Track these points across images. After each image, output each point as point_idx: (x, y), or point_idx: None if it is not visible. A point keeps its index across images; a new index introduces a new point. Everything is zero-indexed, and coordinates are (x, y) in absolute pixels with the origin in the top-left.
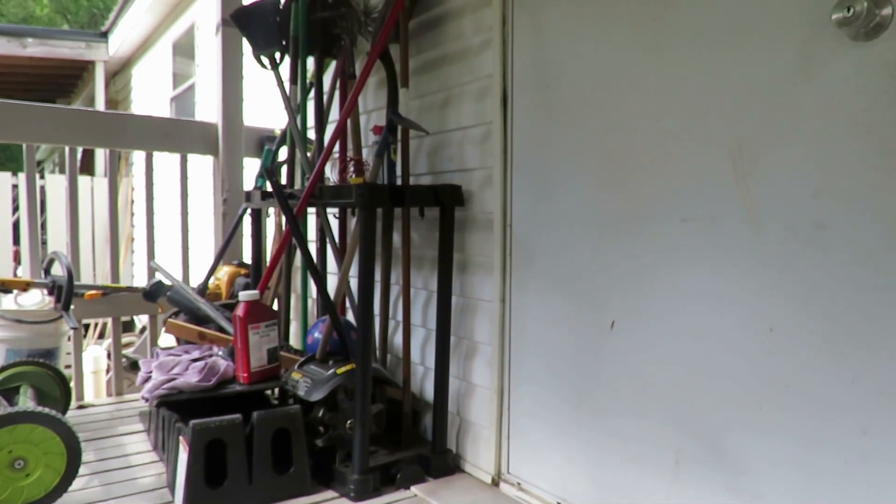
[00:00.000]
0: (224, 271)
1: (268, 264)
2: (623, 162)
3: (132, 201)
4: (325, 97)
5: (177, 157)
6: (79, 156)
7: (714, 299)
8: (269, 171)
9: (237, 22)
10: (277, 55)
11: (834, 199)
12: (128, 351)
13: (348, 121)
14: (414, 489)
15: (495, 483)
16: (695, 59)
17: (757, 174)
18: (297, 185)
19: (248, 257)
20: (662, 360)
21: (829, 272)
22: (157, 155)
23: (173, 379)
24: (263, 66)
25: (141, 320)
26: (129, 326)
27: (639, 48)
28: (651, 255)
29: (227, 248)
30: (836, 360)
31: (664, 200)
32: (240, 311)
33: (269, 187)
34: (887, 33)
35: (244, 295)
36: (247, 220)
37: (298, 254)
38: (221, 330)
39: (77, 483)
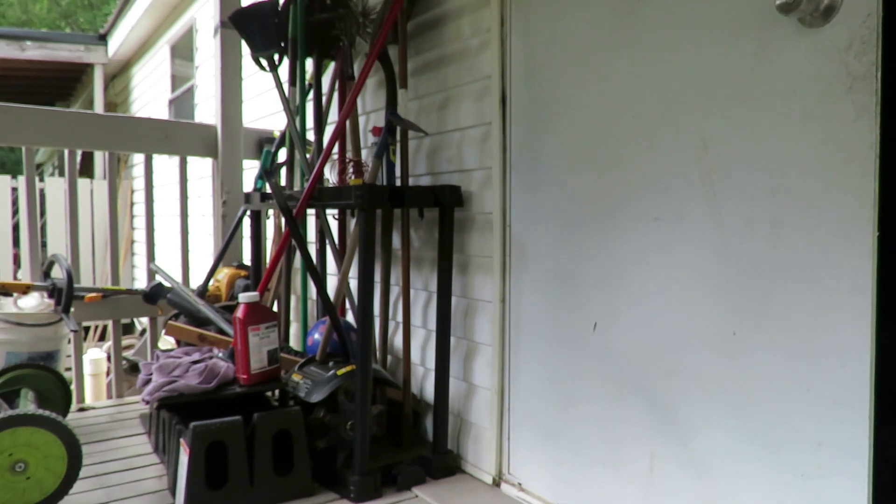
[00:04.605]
0: (224, 273)
1: (267, 266)
2: (602, 160)
3: (132, 203)
4: (324, 98)
5: (176, 159)
6: (78, 158)
7: (684, 301)
8: (269, 172)
9: (236, 24)
10: (276, 57)
11: (790, 195)
12: (128, 353)
13: (347, 122)
14: (415, 490)
15: (496, 484)
16: (664, 51)
17: (720, 170)
18: (297, 187)
19: (247, 259)
20: (637, 362)
21: (786, 273)
22: (156, 157)
23: (174, 381)
24: (262, 67)
25: (141, 322)
26: (129, 329)
27: (615, 43)
28: (627, 255)
29: (226, 250)
30: (792, 366)
31: (639, 199)
32: (240, 312)
33: (268, 189)
34: (838, 17)
35: (244, 297)
36: (246, 222)
37: (298, 255)
38: (221, 332)
39: (78, 486)
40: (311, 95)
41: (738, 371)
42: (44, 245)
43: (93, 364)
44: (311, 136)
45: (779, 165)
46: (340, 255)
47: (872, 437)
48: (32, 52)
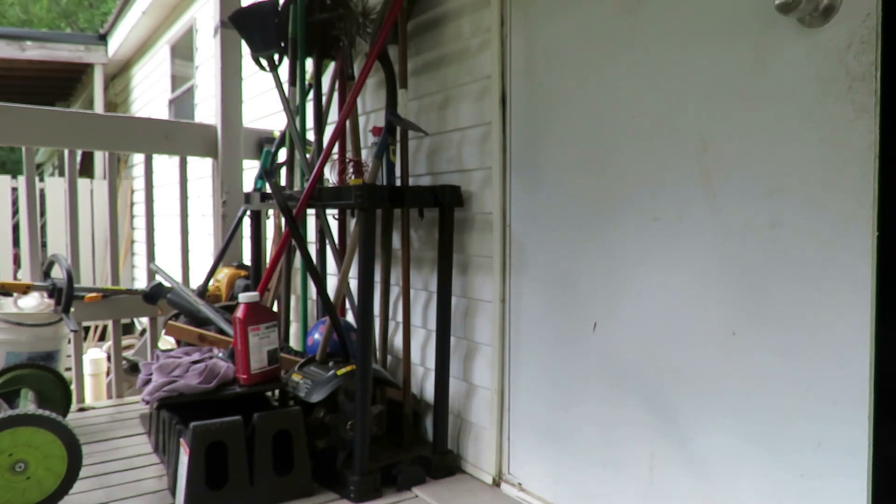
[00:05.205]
0: (224, 273)
1: (267, 266)
2: (602, 160)
3: (132, 203)
4: (324, 98)
5: (176, 159)
6: (78, 158)
7: (684, 301)
8: (269, 172)
9: (236, 24)
10: (276, 57)
11: (789, 196)
12: (128, 353)
13: (347, 122)
14: (415, 490)
15: (496, 483)
16: (663, 51)
17: (720, 170)
18: (297, 187)
19: (247, 259)
20: (637, 362)
21: (785, 273)
22: (156, 157)
23: (174, 381)
24: (262, 67)
25: (141, 322)
26: (129, 329)
27: (615, 43)
28: (627, 255)
29: (226, 250)
30: (792, 367)
31: (639, 199)
32: (240, 312)
33: (268, 189)
34: (838, 17)
35: (244, 297)
36: (246, 222)
37: (298, 255)
38: (221, 332)
39: (78, 486)
40: (311, 95)
41: (738, 371)
42: (44, 245)
43: (93, 364)
44: (311, 136)
45: (778, 165)
46: (340, 255)
47: (872, 437)
48: (32, 52)
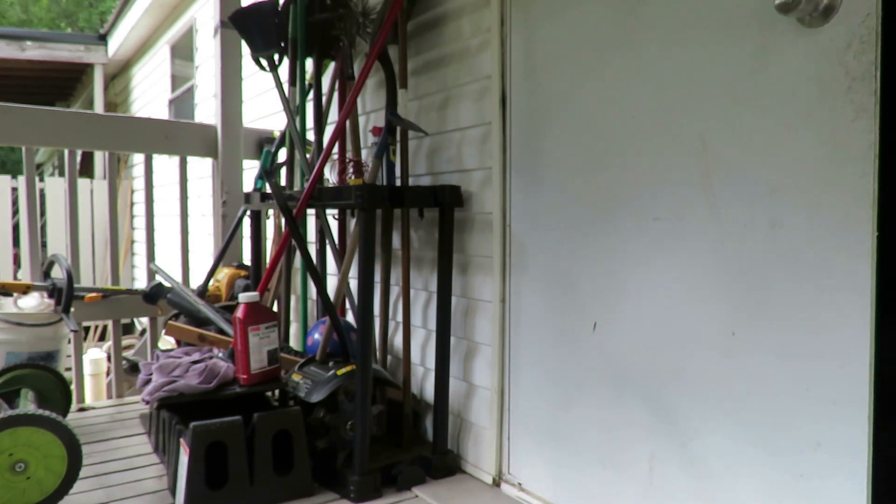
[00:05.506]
0: (224, 273)
1: (267, 266)
2: (602, 160)
3: (132, 203)
4: (324, 98)
5: (176, 159)
6: (78, 158)
7: (683, 301)
8: (269, 172)
9: (236, 24)
10: (276, 57)
11: (789, 195)
12: (128, 353)
13: (347, 122)
14: (415, 490)
15: (496, 484)
16: (663, 51)
17: (719, 170)
18: (297, 187)
19: (247, 259)
20: (637, 362)
21: (785, 273)
22: (156, 157)
23: (174, 381)
24: (262, 67)
25: (141, 322)
26: (129, 329)
27: (615, 43)
28: (627, 255)
29: (226, 250)
30: (792, 366)
31: (638, 199)
32: (240, 312)
33: (268, 189)
34: (837, 17)
35: (244, 297)
36: (246, 222)
37: (298, 255)
38: (221, 332)
39: (78, 486)
40: (311, 95)
41: (738, 371)
42: (44, 245)
43: (93, 364)
44: (311, 136)
45: (778, 165)
46: (340, 255)
47: (872, 438)
48: (32, 52)
